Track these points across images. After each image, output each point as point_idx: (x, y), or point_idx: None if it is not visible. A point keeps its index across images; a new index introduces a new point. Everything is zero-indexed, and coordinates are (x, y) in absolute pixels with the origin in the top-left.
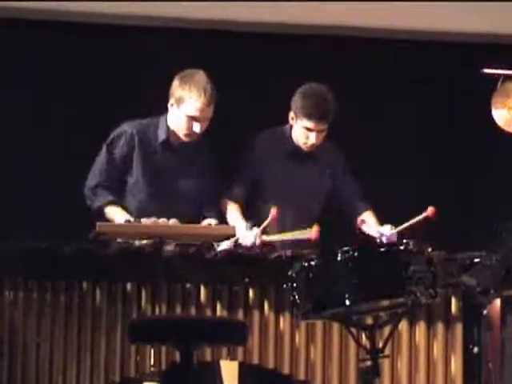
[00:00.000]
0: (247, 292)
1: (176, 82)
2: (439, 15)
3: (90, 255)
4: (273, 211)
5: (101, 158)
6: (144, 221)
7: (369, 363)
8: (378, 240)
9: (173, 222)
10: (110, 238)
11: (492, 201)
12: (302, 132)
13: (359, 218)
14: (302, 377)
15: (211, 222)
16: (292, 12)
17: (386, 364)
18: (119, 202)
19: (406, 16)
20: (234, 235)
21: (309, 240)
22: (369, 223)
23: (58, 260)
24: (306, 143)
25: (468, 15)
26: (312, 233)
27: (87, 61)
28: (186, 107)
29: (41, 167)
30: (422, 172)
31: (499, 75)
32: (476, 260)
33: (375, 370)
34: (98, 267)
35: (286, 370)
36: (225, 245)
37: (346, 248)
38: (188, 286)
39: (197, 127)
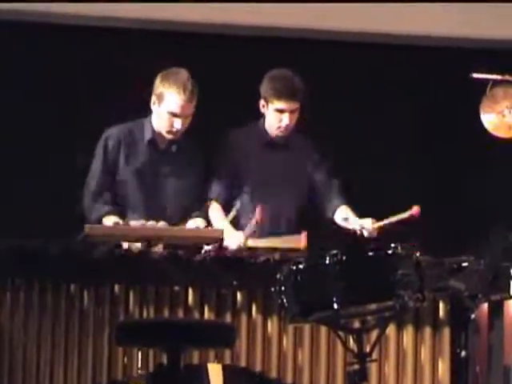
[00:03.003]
0: (235, 295)
1: (157, 80)
2: (429, 20)
3: (78, 257)
4: (258, 211)
5: (95, 168)
6: (133, 223)
7: (356, 367)
8: (359, 233)
9: (161, 224)
10: (98, 241)
11: (483, 204)
12: (275, 116)
13: (341, 216)
14: (289, 380)
15: (198, 222)
16: (285, 15)
17: (373, 368)
18: (117, 211)
19: (398, 20)
20: (222, 238)
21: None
22: (346, 218)
23: (45, 261)
24: (279, 127)
25: (458, 20)
26: (300, 240)
27: (82, 62)
28: (166, 104)
29: (30, 167)
30: (412, 175)
31: (488, 80)
32: (464, 264)
33: (363, 374)
34: (86, 269)
35: (273, 374)
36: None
37: (334, 251)
38: (176, 288)
39: (178, 124)
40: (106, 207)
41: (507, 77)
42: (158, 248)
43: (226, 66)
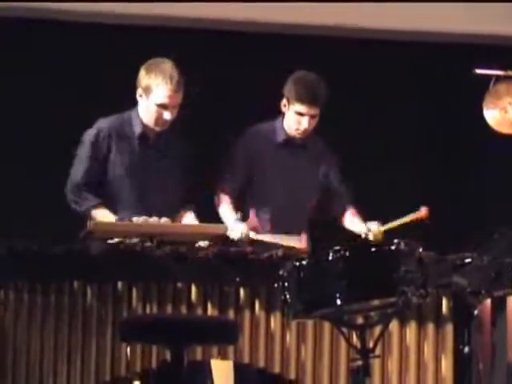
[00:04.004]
0: (238, 291)
1: (142, 72)
2: (433, 16)
3: (81, 255)
4: (251, 215)
5: (81, 157)
6: (135, 219)
7: (359, 363)
8: (364, 235)
9: (164, 220)
10: (100, 237)
11: (486, 200)
12: (294, 118)
13: (348, 220)
14: (292, 376)
15: (189, 216)
16: (290, 12)
17: (376, 364)
18: (106, 204)
19: (401, 17)
20: (225, 234)
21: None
22: (354, 221)
23: (48, 260)
24: (298, 129)
25: (461, 16)
26: (301, 241)
27: (84, 61)
28: (154, 96)
29: (29, 167)
30: (415, 174)
31: (491, 76)
32: (467, 261)
33: (366, 370)
34: (89, 267)
35: (276, 370)
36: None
37: (337, 248)
38: (179, 285)
39: (167, 115)
40: (95, 199)
41: (510, 73)
42: (161, 244)
43: (236, 65)
